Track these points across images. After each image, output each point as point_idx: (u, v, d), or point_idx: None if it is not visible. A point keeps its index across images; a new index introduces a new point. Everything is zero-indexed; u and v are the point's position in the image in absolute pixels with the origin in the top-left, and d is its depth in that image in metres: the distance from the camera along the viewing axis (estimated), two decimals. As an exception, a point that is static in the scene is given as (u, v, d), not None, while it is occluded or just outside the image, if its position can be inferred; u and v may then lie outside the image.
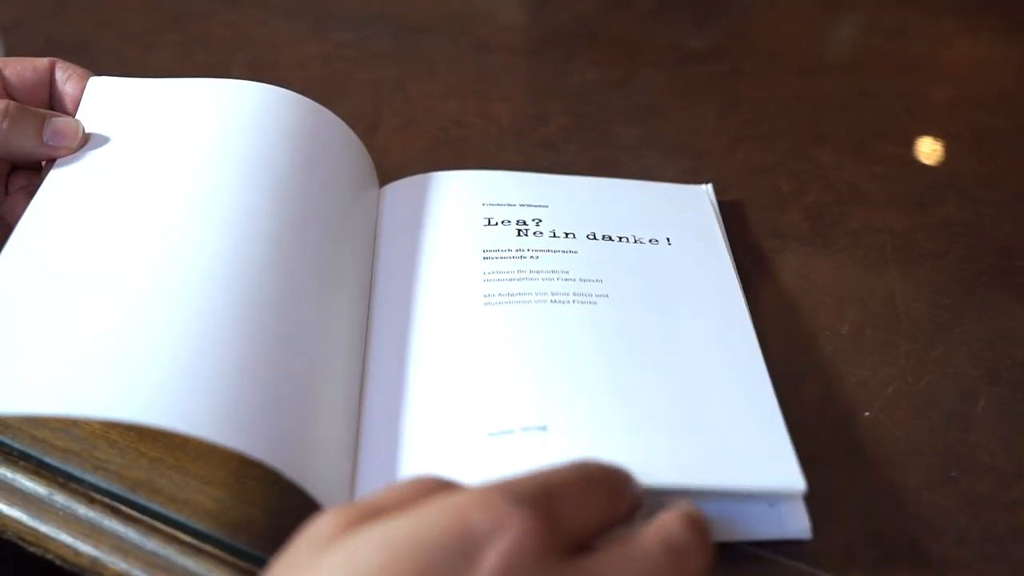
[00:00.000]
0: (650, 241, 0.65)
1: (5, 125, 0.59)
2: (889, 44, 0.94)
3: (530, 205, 0.67)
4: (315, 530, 0.39)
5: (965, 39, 0.95)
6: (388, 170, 0.71)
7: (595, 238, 0.64)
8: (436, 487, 0.41)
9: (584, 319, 0.58)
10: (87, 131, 0.61)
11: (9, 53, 0.92)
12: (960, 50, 0.94)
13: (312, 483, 0.47)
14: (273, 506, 0.48)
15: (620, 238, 0.64)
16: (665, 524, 0.40)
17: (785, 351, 0.61)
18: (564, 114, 0.84)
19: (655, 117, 0.83)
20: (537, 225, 0.65)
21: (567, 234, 0.64)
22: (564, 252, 0.63)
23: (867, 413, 0.58)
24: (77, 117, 0.63)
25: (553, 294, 0.60)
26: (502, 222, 0.65)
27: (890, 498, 0.54)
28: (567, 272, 0.61)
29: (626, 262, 0.63)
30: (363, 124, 0.69)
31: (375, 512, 0.39)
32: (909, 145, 0.81)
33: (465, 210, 0.67)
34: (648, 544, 0.39)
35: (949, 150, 0.81)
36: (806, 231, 0.71)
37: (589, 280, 0.61)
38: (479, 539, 0.36)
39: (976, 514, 0.53)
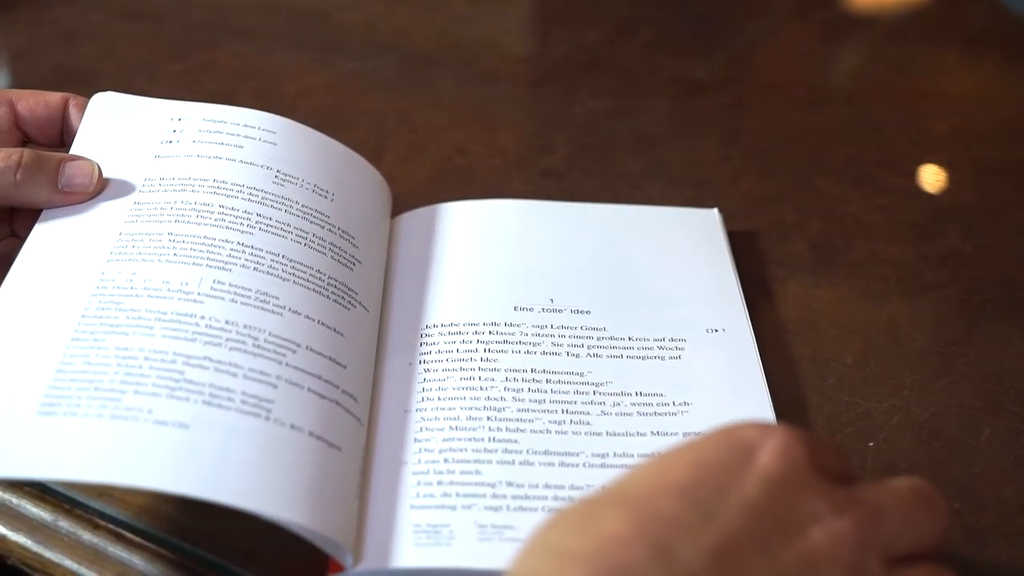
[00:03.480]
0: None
1: (19, 176, 0.57)
2: (892, 76, 0.95)
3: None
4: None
5: (968, 71, 0.96)
6: (392, 199, 0.71)
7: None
8: None
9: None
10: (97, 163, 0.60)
11: (17, 82, 0.93)
12: (963, 82, 0.94)
13: (330, 531, 0.48)
14: (279, 536, 0.48)
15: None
16: (909, 480, 0.44)
17: (789, 381, 0.62)
18: (568, 144, 0.84)
19: (658, 147, 0.84)
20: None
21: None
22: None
23: (871, 444, 0.58)
24: (79, 135, 0.62)
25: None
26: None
27: (895, 529, 0.54)
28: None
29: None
30: (368, 153, 0.69)
31: None
32: (912, 176, 0.81)
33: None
34: (901, 485, 0.43)
35: (952, 181, 0.81)
36: (810, 261, 0.72)
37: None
38: (751, 444, 0.40)
39: (980, 546, 0.53)
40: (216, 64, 0.95)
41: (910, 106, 0.90)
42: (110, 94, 0.65)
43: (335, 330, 0.57)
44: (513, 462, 0.54)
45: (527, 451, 0.55)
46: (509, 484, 0.53)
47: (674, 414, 0.58)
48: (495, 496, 0.53)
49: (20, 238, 0.59)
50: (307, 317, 0.55)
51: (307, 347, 0.54)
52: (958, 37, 1.00)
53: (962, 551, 0.53)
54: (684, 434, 0.57)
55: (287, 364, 0.52)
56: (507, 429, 0.56)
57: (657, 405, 0.59)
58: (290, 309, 0.55)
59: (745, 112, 0.89)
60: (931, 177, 0.81)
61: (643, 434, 0.57)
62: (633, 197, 0.76)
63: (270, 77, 0.93)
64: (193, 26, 1.01)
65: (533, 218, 0.70)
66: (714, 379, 0.60)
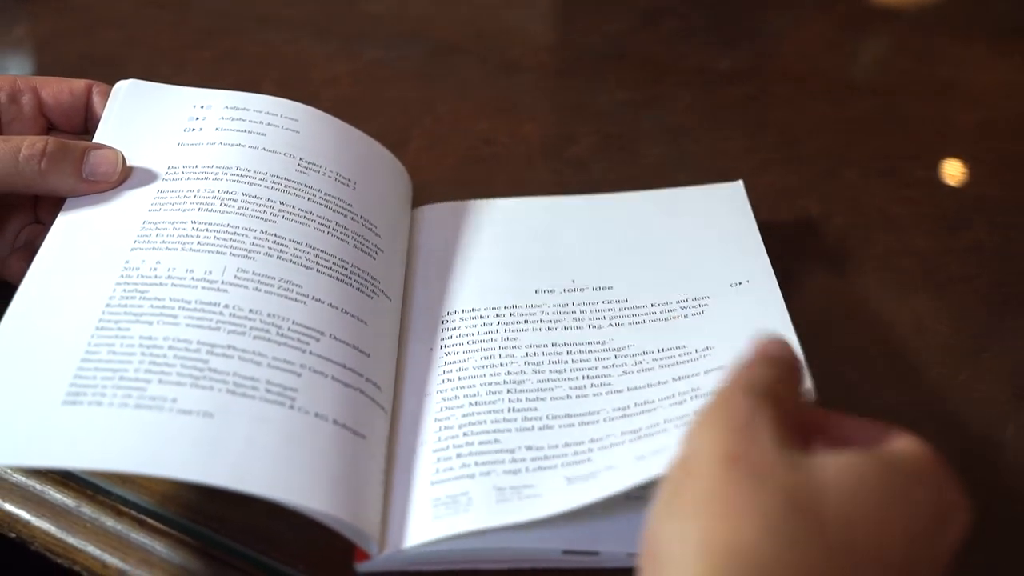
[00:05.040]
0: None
1: (43, 164, 0.57)
2: (918, 68, 0.94)
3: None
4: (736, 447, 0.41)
5: (995, 63, 0.95)
6: (417, 188, 0.71)
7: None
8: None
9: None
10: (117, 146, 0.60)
11: (41, 69, 0.93)
12: (989, 74, 0.93)
13: (355, 520, 0.48)
14: (301, 523, 0.48)
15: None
16: None
17: (811, 373, 0.61)
18: (592, 134, 0.84)
19: (683, 138, 0.83)
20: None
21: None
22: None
23: (894, 437, 0.58)
24: (102, 122, 0.62)
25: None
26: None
27: (917, 523, 0.53)
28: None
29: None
30: (392, 142, 0.69)
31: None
32: (938, 169, 0.81)
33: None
34: None
35: (978, 174, 0.80)
36: (834, 254, 0.71)
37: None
38: (948, 509, 0.41)
39: (1007, 541, 0.53)
40: (241, 52, 0.95)
41: (936, 98, 0.89)
42: (133, 81, 0.65)
43: (358, 318, 0.57)
44: (532, 428, 0.54)
45: (547, 416, 0.55)
46: (528, 448, 0.53)
47: (696, 359, 0.57)
48: (514, 460, 0.52)
49: (44, 226, 0.59)
50: (330, 305, 0.56)
51: (331, 335, 0.54)
52: (984, 30, 0.99)
53: (989, 546, 0.52)
54: (705, 373, 0.56)
55: (311, 352, 0.52)
56: (527, 399, 0.56)
57: (679, 356, 0.58)
58: (313, 297, 0.55)
59: (770, 103, 0.89)
60: (957, 170, 0.81)
61: (664, 382, 0.56)
62: (657, 187, 0.76)
63: (295, 65, 0.93)
64: (219, 14, 1.01)
65: (554, 212, 0.70)
66: (738, 323, 0.59)
